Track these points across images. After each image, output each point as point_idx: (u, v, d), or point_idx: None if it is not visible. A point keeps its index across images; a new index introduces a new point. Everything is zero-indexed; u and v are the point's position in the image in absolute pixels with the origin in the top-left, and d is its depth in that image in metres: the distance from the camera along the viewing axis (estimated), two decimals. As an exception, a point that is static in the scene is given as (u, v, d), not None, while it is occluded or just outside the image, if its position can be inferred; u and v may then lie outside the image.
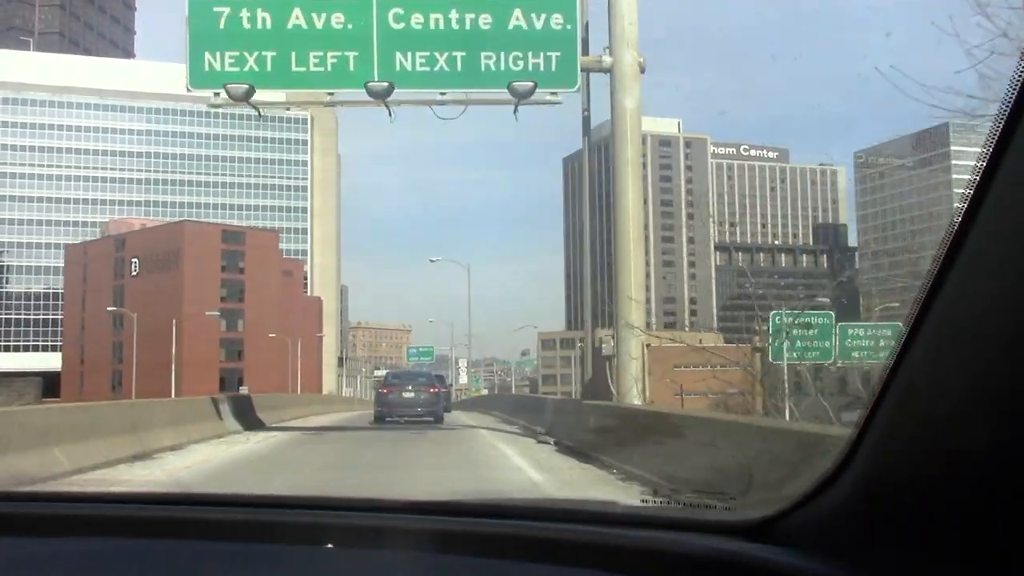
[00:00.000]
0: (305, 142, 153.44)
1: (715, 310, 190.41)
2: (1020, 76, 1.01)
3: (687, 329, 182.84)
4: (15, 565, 1.67)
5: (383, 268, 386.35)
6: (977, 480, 1.13)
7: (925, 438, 1.23)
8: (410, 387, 25.81)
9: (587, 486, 11.42)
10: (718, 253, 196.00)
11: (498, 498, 2.29)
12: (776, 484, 6.69)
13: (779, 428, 9.41)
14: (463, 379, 73.10)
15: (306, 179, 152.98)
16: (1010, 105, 1.03)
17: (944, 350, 1.18)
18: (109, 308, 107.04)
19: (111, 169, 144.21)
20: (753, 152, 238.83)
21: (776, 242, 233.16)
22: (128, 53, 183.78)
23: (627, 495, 9.65)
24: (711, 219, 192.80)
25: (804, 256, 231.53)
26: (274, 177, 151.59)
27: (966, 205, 1.10)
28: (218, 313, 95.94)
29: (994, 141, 1.06)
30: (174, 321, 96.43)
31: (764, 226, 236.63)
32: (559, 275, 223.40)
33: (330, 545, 1.70)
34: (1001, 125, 1.04)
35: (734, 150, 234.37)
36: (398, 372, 35.05)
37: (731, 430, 9.69)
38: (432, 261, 62.92)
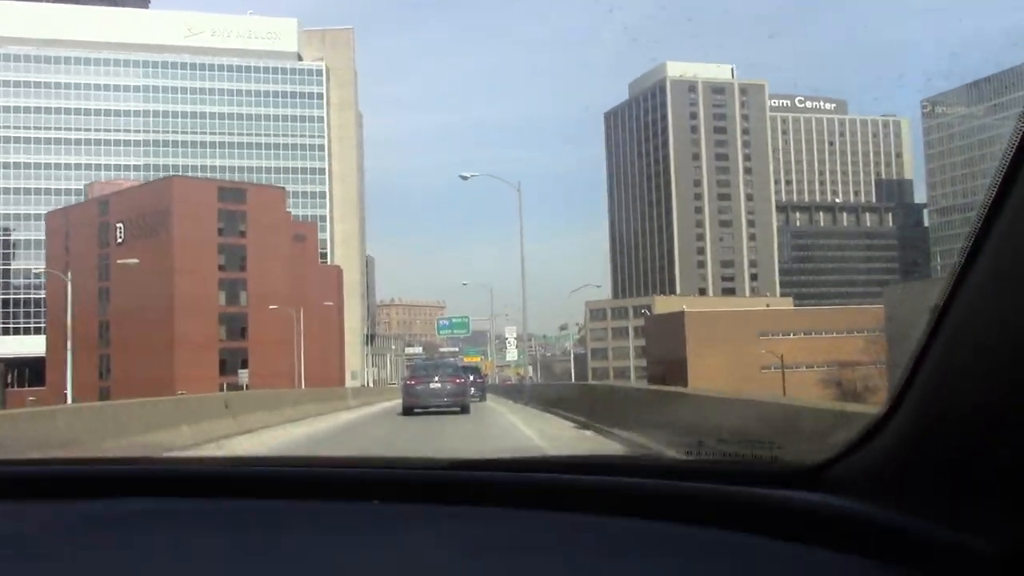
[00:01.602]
0: (320, 95, 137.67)
1: (777, 274, 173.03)
2: None
3: (747, 294, 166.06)
4: (77, 525, 1.72)
5: (413, 244, 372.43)
6: (1020, 428, 1.13)
7: (969, 387, 1.24)
8: (436, 378, 25.30)
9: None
10: (775, 213, 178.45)
11: (537, 455, 2.26)
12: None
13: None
14: (511, 354, 57.37)
15: (323, 137, 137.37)
16: None
17: (989, 301, 1.18)
18: (96, 282, 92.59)
19: (103, 130, 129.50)
20: (809, 104, 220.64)
21: (837, 200, 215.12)
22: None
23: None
24: (771, 173, 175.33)
25: (868, 215, 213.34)
26: (287, 136, 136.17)
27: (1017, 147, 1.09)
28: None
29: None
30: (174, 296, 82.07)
31: (823, 183, 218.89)
32: (598, 248, 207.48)
33: (376, 501, 1.74)
34: None
35: (788, 102, 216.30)
36: (425, 363, 34.26)
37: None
38: (464, 178, 48.06)
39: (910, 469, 1.36)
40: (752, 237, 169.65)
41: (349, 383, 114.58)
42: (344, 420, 25.05)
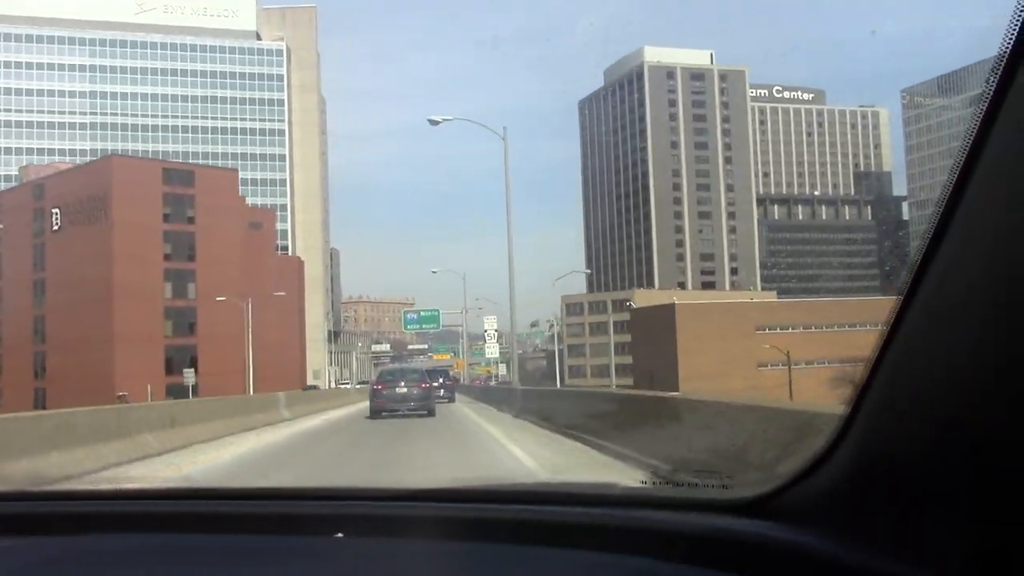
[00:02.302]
0: (281, 77, 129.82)
1: (758, 268, 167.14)
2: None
3: (727, 288, 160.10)
4: (35, 565, 1.71)
5: (380, 240, 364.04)
6: (964, 455, 1.15)
7: (914, 415, 1.26)
8: (403, 383, 25.46)
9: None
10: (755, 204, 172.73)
11: (500, 484, 2.36)
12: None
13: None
14: (490, 350, 50.44)
15: (283, 121, 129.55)
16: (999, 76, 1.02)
17: (932, 329, 1.20)
18: (28, 273, 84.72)
19: (44, 111, 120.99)
20: (787, 94, 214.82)
21: (815, 193, 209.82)
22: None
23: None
24: (752, 163, 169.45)
25: (847, 207, 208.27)
26: (244, 119, 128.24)
27: (955, 178, 1.10)
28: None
29: (982, 112, 1.06)
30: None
31: (801, 175, 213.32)
32: (573, 242, 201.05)
33: (340, 535, 1.74)
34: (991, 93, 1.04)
35: (766, 92, 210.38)
36: (391, 369, 33.37)
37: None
38: (434, 122, 42.83)
39: (854, 499, 1.38)
40: (732, 230, 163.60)
41: (311, 382, 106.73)
42: (252, 448, 16.88)
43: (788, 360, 64.28)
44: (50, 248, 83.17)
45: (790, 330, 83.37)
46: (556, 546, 1.62)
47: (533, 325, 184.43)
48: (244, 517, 1.89)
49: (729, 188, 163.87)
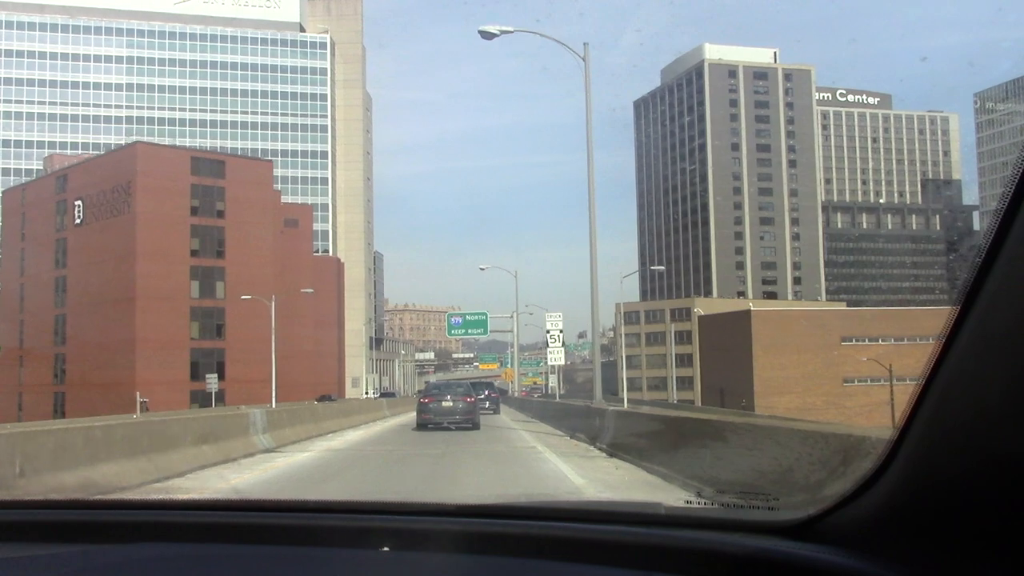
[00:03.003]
0: (324, 71, 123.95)
1: (823, 278, 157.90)
2: None
3: (789, 299, 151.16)
4: (86, 571, 1.77)
5: (426, 249, 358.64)
6: (1012, 483, 1.14)
7: (962, 441, 1.24)
8: (449, 397, 26.07)
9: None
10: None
11: (544, 501, 2.37)
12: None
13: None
14: (555, 355, 43.04)
15: (326, 117, 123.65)
16: None
17: (981, 355, 1.18)
18: (50, 270, 79.41)
19: (80, 104, 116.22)
20: (851, 97, 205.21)
21: (881, 201, 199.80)
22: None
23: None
24: (818, 167, 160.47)
25: (913, 216, 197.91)
26: (285, 114, 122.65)
27: (1006, 205, 1.07)
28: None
29: None
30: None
31: (865, 182, 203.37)
32: (625, 253, 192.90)
33: (386, 548, 1.79)
34: None
35: (830, 95, 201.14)
36: (438, 383, 32.97)
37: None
38: (489, 35, 36.30)
39: (899, 526, 1.37)
40: (796, 237, 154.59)
41: (350, 392, 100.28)
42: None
43: (891, 375, 56.04)
44: (72, 243, 77.64)
45: (880, 342, 74.43)
46: (600, 564, 1.62)
47: (580, 336, 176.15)
48: (292, 528, 1.91)
49: (793, 193, 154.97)
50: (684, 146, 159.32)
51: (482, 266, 57.94)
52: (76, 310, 76.49)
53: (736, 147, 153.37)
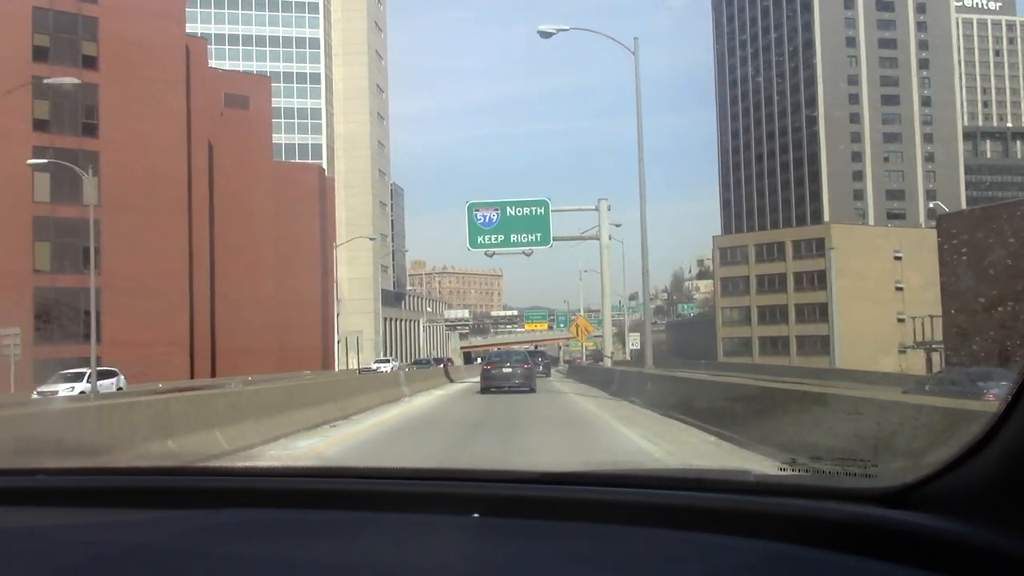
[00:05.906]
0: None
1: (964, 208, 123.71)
2: None
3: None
4: (176, 535, 1.79)
5: (454, 214, 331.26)
6: None
7: None
8: (508, 364, 29.16)
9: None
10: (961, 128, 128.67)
11: (630, 468, 2.48)
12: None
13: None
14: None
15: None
16: None
17: None
18: None
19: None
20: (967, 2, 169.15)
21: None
22: None
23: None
24: (957, 67, 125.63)
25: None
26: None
27: None
28: None
29: None
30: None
31: (1016, 103, 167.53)
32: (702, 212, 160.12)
33: (476, 515, 1.80)
34: None
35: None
36: (499, 352, 36.23)
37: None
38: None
39: (1011, 490, 1.32)
40: (929, 157, 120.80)
41: (360, 363, 65.22)
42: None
43: None
44: None
45: None
46: (690, 530, 1.61)
47: (632, 298, 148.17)
48: (379, 495, 1.96)
49: (925, 102, 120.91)
50: (783, 42, 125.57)
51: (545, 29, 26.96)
52: None
53: (852, 42, 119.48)
